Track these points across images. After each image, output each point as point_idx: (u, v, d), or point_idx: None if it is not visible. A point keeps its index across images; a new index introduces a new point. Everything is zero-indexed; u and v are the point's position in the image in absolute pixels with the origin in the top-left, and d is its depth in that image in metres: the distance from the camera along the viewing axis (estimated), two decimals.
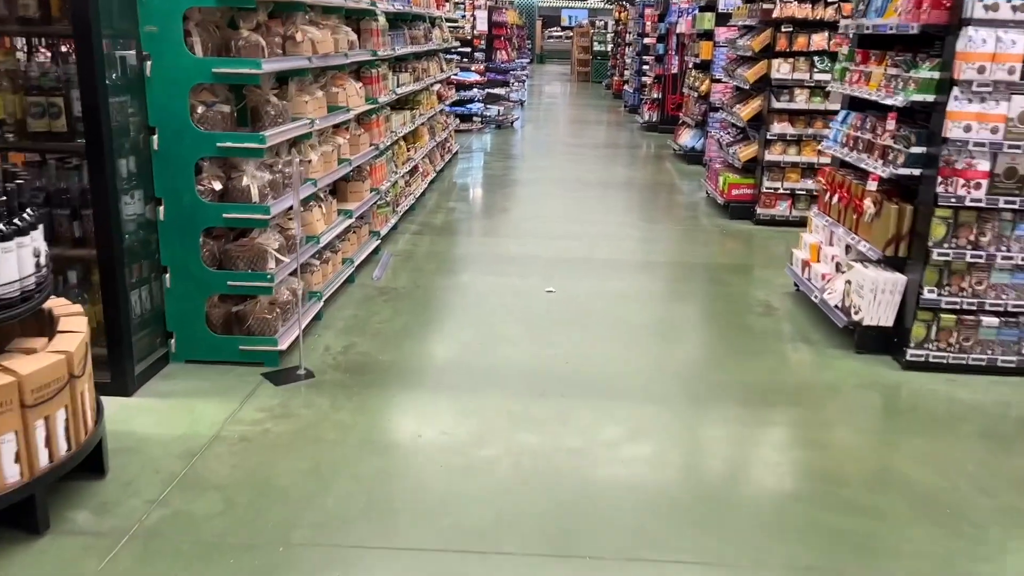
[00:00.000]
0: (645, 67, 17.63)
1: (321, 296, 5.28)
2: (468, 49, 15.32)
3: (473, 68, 14.90)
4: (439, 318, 5.50)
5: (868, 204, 5.03)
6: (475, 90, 14.76)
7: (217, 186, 4.35)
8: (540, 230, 8.01)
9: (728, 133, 9.26)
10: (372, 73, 6.72)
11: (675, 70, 14.94)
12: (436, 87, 10.08)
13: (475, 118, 15.11)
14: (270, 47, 4.63)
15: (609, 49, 27.54)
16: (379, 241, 6.91)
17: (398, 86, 7.75)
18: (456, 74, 12.24)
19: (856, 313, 4.97)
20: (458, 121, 14.00)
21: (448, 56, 12.14)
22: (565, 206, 9.17)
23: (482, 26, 15.75)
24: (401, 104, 8.42)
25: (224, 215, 4.34)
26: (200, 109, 4.27)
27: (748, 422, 4.13)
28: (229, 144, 4.27)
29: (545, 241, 7.56)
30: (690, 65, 12.72)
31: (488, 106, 15.56)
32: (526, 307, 5.72)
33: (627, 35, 21.37)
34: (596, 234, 7.84)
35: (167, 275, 4.42)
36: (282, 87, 5.03)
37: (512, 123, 16.39)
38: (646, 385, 4.53)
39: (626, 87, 20.82)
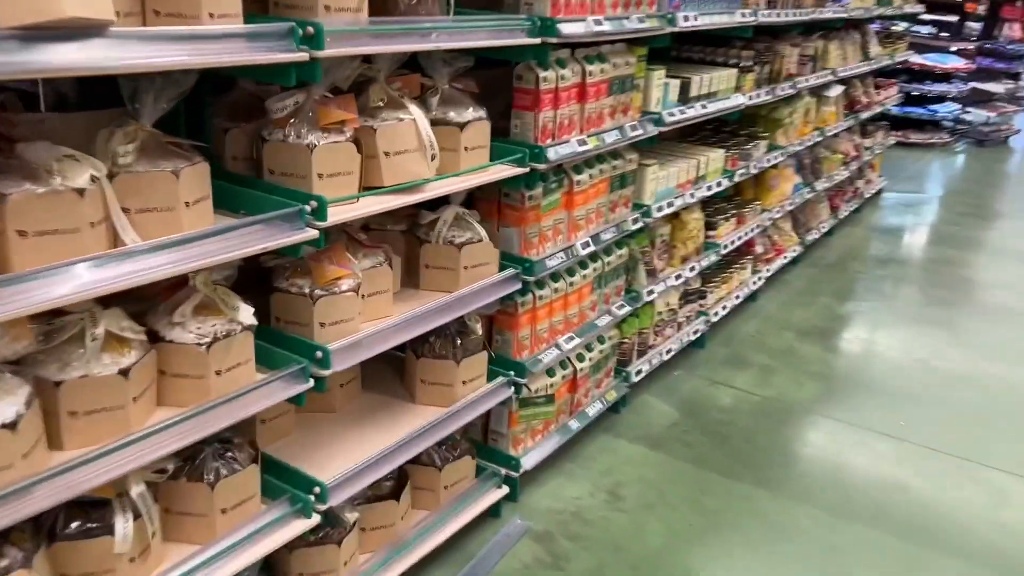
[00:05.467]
0: None
1: None
2: (953, 18, 9.67)
3: (953, 49, 9.27)
4: None
5: None
6: (954, 84, 9.18)
7: None
8: (997, 544, 3.07)
9: None
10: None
11: None
12: (835, 91, 5.29)
13: (943, 126, 9.55)
14: None
15: None
16: (503, 489, 2.81)
17: (689, 102, 3.39)
18: (905, 60, 7.09)
19: None
20: (899, 133, 8.72)
21: (898, 27, 7.03)
22: None
23: None
24: (702, 134, 4.02)
25: None
26: None
27: None
28: None
29: None
30: None
31: (968, 108, 9.79)
32: None
33: None
34: None
35: None
36: None
37: (1007, 138, 10.33)
38: None
39: None
